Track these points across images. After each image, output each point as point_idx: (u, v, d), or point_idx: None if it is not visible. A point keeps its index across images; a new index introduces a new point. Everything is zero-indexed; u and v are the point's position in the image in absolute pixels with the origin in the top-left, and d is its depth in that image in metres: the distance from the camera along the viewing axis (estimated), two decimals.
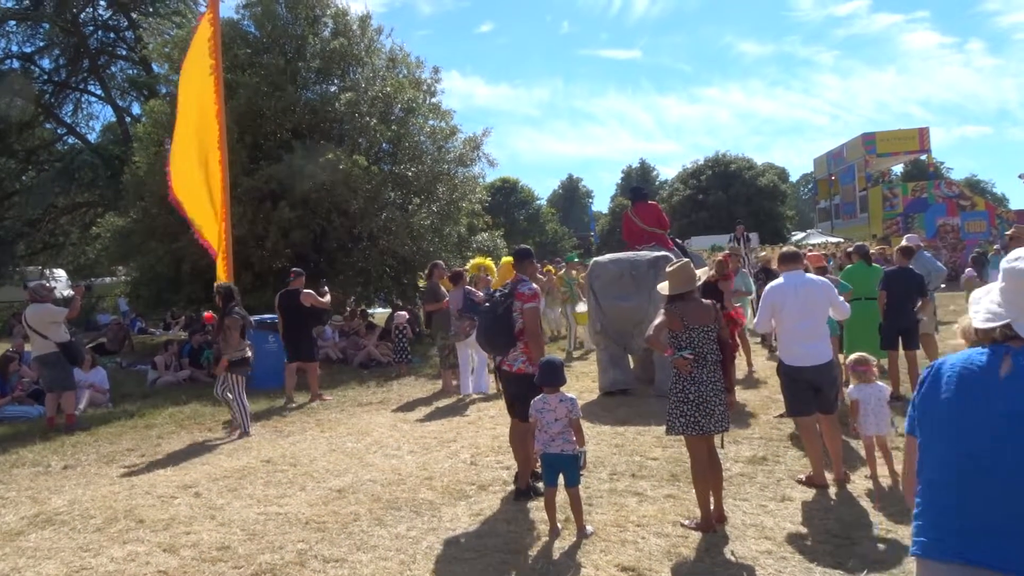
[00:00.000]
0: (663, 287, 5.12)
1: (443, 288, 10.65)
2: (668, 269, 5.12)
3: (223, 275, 11.36)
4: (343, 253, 15.27)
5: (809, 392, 5.73)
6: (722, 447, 5.44)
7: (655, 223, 10.36)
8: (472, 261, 14.04)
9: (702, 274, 5.15)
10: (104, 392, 10.71)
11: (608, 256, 10.18)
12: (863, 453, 6.02)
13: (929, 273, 9.74)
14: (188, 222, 11.55)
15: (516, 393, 5.49)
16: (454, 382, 10.46)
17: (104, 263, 19.04)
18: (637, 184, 11.88)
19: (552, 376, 5.00)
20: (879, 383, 6.00)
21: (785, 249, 6.23)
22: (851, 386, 5.96)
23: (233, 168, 12.50)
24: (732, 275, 10.95)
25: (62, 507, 5.92)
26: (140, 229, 15.71)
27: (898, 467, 6.10)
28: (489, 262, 13.74)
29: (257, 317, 11.86)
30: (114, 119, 28.80)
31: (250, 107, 14.79)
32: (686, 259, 5.12)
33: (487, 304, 5.68)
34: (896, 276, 8.69)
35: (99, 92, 28.28)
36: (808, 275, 6.01)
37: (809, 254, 9.42)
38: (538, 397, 5.03)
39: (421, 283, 11.99)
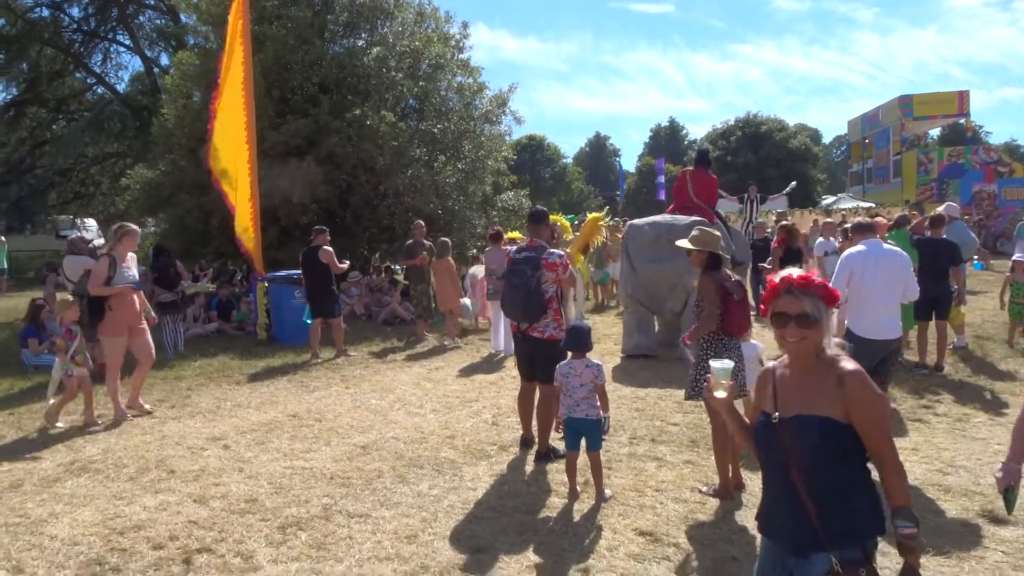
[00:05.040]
0: (683, 242, 5.13)
1: (423, 244, 11.80)
2: (699, 228, 5.11)
3: (250, 228, 11.47)
4: (368, 210, 15.30)
5: (868, 366, 5.62)
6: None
7: (705, 198, 10.27)
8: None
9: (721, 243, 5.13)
10: None
11: (645, 219, 10.16)
12: None
13: (963, 244, 9.60)
14: (212, 176, 11.64)
15: (546, 358, 5.53)
16: (427, 333, 11.71)
17: (133, 214, 19.24)
18: (702, 148, 11.76)
19: (579, 342, 5.04)
20: (754, 341, 5.91)
21: (859, 220, 6.11)
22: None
23: (260, 122, 12.49)
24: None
25: (96, 455, 6.10)
26: (169, 182, 15.82)
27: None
28: (564, 220, 13.58)
29: (283, 272, 11.99)
30: (142, 69, 28.91)
31: (277, 60, 14.72)
32: (712, 229, 5.10)
33: (514, 276, 5.67)
34: (929, 246, 8.58)
35: (127, 42, 28.35)
36: (888, 246, 5.86)
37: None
38: (564, 362, 5.08)
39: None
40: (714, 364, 2.75)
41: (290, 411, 7.41)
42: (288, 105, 14.95)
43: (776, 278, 2.55)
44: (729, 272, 5.12)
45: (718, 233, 5.10)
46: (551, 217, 13.22)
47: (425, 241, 11.81)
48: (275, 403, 7.83)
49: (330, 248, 10.65)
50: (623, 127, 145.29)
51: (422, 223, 12.17)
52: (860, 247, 5.66)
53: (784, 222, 11.27)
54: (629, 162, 79.34)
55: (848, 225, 13.12)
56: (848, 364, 2.49)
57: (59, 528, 4.61)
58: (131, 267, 7.50)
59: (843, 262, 5.66)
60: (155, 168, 16.86)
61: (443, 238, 12.12)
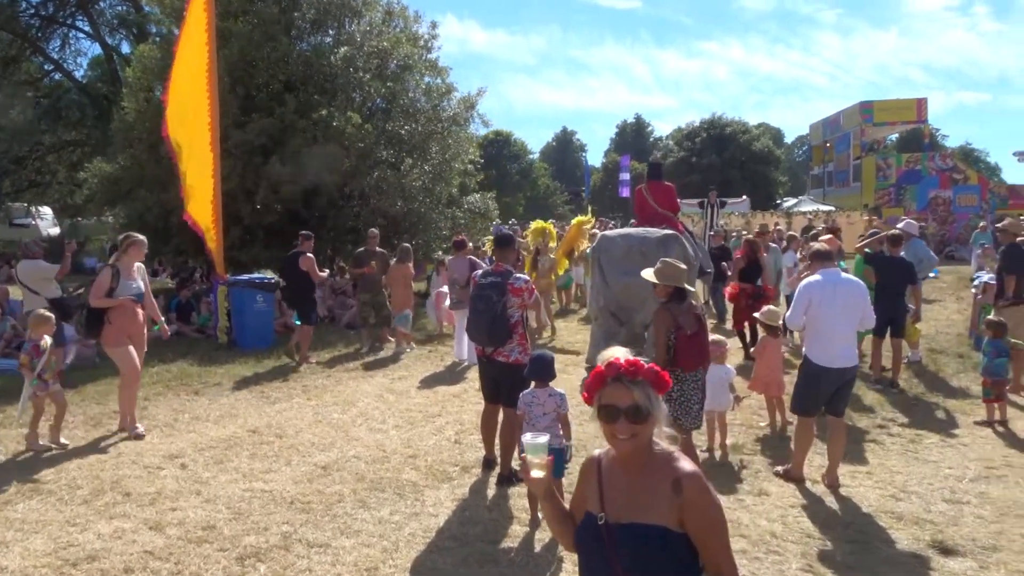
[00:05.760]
0: (648, 274, 5.17)
1: (375, 252, 11.63)
2: (664, 262, 5.15)
3: (212, 229, 11.29)
4: (334, 211, 15.15)
5: (826, 393, 5.75)
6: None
7: (667, 206, 10.33)
8: (532, 225, 13.91)
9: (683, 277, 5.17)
10: (90, 346, 10.65)
11: (617, 231, 10.22)
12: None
13: (920, 261, 9.81)
14: (176, 170, 11.48)
15: (511, 382, 5.54)
16: (390, 338, 11.59)
17: (91, 209, 18.83)
18: (652, 162, 11.86)
19: (542, 371, 5.04)
20: (727, 365, 6.63)
21: (817, 247, 6.18)
22: None
23: (224, 120, 12.29)
24: (764, 251, 11.01)
25: (49, 475, 5.95)
26: (128, 176, 15.48)
27: (729, 441, 6.60)
28: (551, 226, 13.52)
29: (246, 276, 11.84)
30: (102, 54, 28.24)
31: (242, 57, 14.49)
32: (679, 262, 5.14)
33: (480, 301, 5.67)
34: (887, 265, 8.76)
35: (87, 28, 27.65)
36: (845, 275, 5.97)
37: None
38: (527, 391, 5.08)
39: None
40: (527, 440, 2.41)
41: (250, 426, 7.31)
42: (253, 103, 14.72)
43: (601, 364, 2.25)
44: (694, 303, 5.17)
45: (683, 266, 5.15)
46: (539, 224, 13.40)
47: (377, 249, 11.69)
48: (235, 416, 7.73)
49: (312, 256, 10.56)
50: (590, 122, 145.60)
51: (376, 232, 12.12)
52: (817, 276, 5.75)
53: (749, 236, 11.42)
54: (595, 157, 79.77)
55: (816, 231, 13.40)
56: (685, 465, 2.21)
57: (10, 559, 4.50)
58: (136, 278, 7.24)
59: (801, 291, 5.76)
60: (114, 162, 16.48)
61: (404, 244, 12.06)
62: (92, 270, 20.74)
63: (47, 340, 6.69)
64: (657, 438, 2.24)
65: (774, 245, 11.45)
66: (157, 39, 18.26)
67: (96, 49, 29.31)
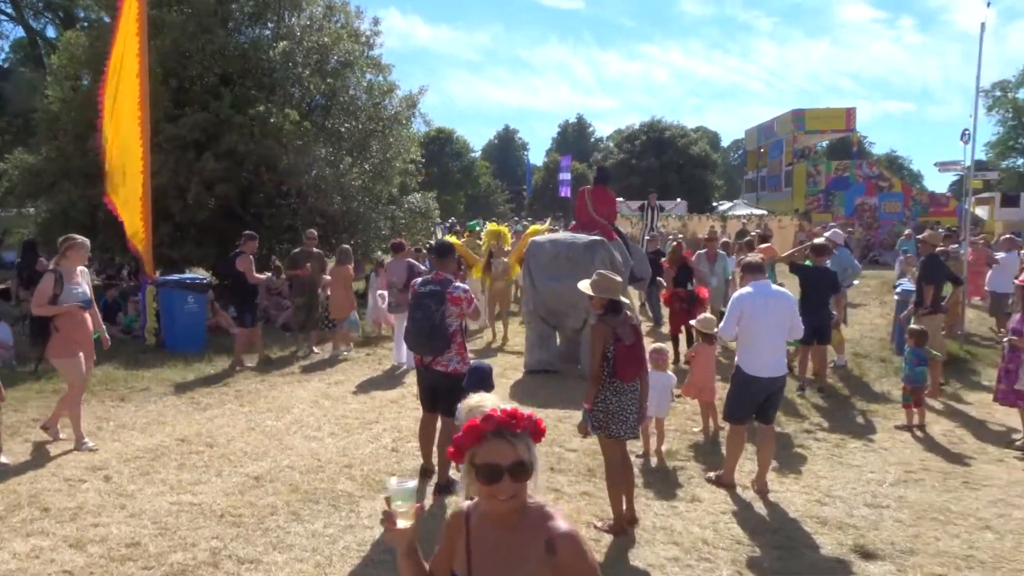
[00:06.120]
0: (584, 286, 5.19)
1: (312, 253, 11.37)
2: (600, 274, 5.18)
3: (140, 230, 10.95)
4: (270, 209, 14.83)
5: (757, 401, 5.90)
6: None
7: (605, 213, 10.44)
8: (487, 228, 13.83)
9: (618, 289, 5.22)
10: (8, 348, 10.20)
11: (546, 236, 10.33)
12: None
13: (845, 270, 10.14)
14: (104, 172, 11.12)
15: (449, 392, 5.50)
16: (315, 346, 11.34)
17: (10, 201, 17.98)
18: (601, 167, 11.98)
19: (480, 383, 5.02)
20: (668, 372, 6.98)
21: (749, 259, 6.31)
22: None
23: (155, 113, 11.91)
24: (713, 257, 11.23)
25: None
26: (52, 168, 14.84)
27: (663, 447, 6.81)
28: (505, 229, 13.49)
29: (176, 276, 11.49)
30: (25, 38, 27.06)
31: (176, 48, 14.06)
32: (615, 275, 5.18)
33: (418, 310, 5.63)
34: (812, 274, 9.01)
35: (10, 10, 26.43)
36: (775, 286, 6.16)
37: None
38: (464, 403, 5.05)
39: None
40: (392, 485, 2.15)
41: (179, 434, 7.09)
42: (187, 95, 14.31)
43: (478, 418, 2.04)
44: (629, 313, 5.24)
45: (618, 279, 5.20)
46: (494, 227, 13.36)
47: (315, 250, 11.45)
48: (163, 424, 7.49)
49: (251, 257, 10.27)
50: (532, 120, 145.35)
51: (314, 232, 11.85)
52: (748, 289, 5.91)
53: (676, 242, 11.69)
54: (537, 156, 79.99)
55: (750, 237, 13.76)
56: (560, 523, 2.04)
57: None
58: (81, 283, 6.79)
59: (733, 303, 5.92)
60: (37, 153, 15.80)
61: (344, 245, 11.90)
62: (11, 264, 19.86)
63: None
64: (531, 491, 2.07)
65: (722, 252, 11.67)
66: (85, 25, 17.60)
67: (19, 32, 28.08)
